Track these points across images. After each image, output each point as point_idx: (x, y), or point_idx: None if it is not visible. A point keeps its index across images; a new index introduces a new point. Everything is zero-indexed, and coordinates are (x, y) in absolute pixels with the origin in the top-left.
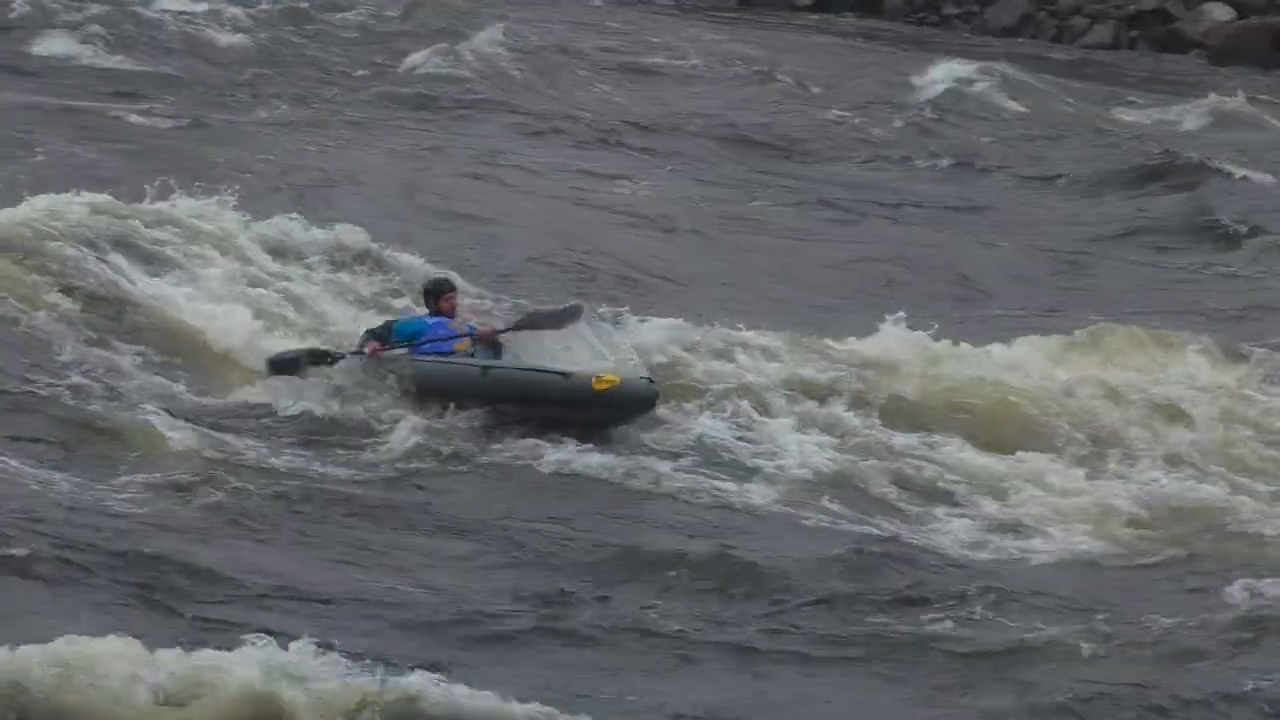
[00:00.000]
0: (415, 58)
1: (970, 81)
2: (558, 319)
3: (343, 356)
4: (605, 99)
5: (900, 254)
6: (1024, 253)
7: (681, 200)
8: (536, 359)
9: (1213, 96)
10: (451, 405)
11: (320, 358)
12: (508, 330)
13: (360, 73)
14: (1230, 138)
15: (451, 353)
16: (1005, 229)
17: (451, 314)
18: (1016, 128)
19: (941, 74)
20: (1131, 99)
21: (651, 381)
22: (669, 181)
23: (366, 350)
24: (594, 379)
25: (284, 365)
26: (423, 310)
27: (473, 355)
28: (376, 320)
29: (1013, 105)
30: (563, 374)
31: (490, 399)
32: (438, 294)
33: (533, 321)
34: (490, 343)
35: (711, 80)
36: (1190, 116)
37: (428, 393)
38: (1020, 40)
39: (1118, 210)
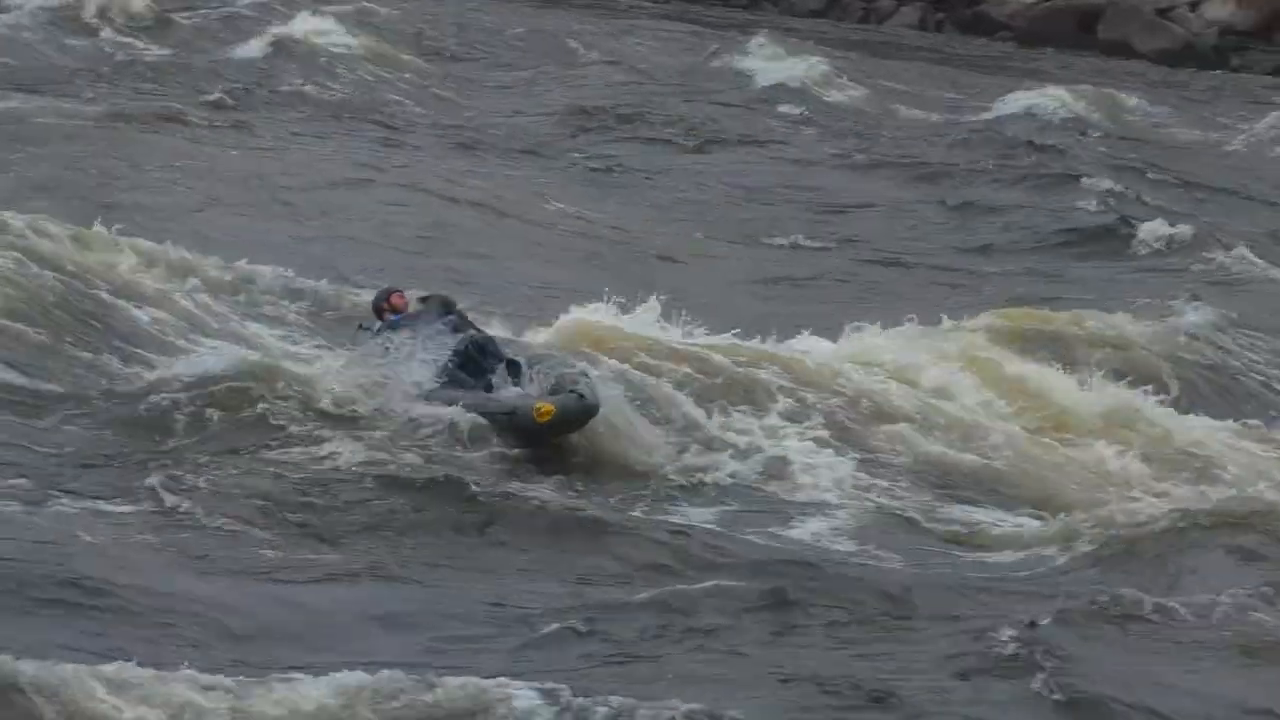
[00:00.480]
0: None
1: (781, 66)
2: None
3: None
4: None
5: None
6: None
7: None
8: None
9: (1022, 79)
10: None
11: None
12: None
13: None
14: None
15: None
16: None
17: (405, 309)
18: (829, 112)
19: (754, 58)
20: (942, 82)
21: (582, 396)
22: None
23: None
24: (535, 410)
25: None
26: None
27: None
28: None
29: (825, 88)
30: (508, 411)
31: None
32: (385, 297)
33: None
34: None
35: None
36: (1004, 100)
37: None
38: (826, 21)
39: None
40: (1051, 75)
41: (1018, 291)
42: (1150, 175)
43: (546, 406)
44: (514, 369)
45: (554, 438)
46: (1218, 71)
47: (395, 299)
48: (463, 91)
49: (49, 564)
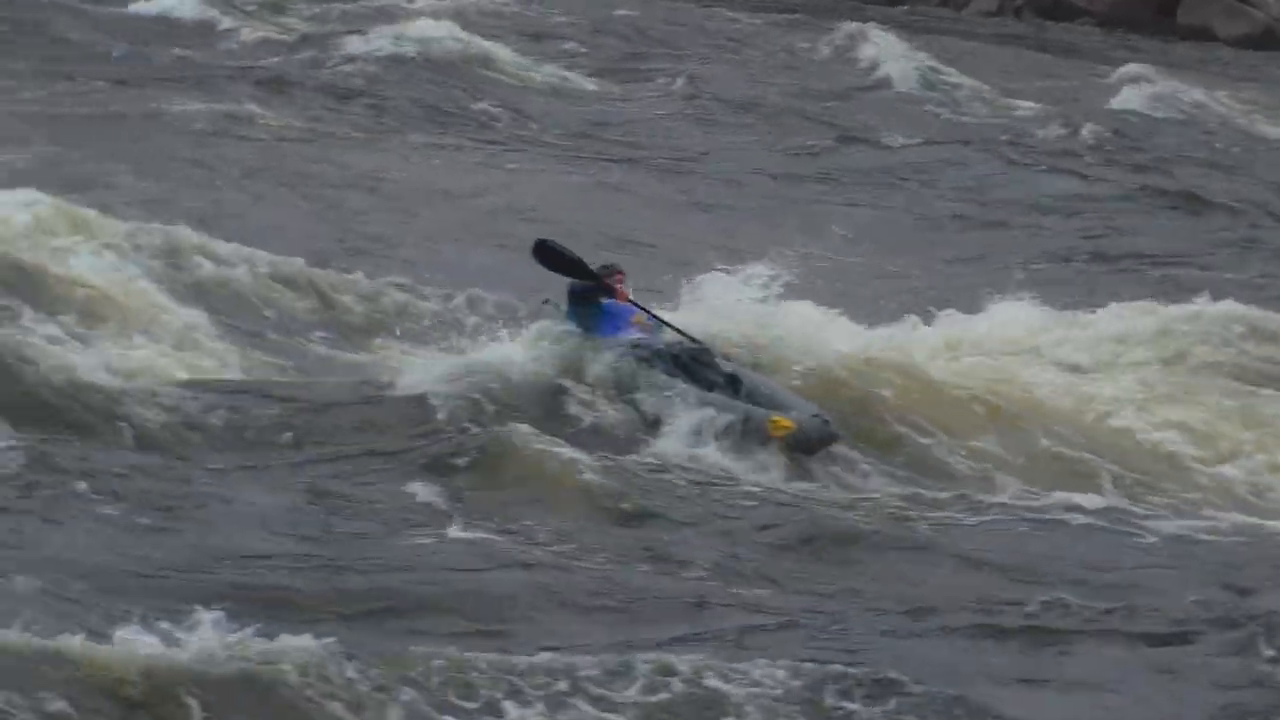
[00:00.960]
0: None
1: (855, 48)
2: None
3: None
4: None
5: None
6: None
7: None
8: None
9: (1105, 66)
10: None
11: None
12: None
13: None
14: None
15: (631, 328)
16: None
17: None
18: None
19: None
20: (1026, 67)
21: (827, 422)
22: None
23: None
24: (770, 422)
25: (553, 258)
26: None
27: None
28: None
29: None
30: (742, 417)
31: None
32: (606, 277)
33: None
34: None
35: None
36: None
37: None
38: (905, 7)
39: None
40: (1135, 60)
41: None
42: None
43: (785, 421)
44: (734, 384)
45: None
46: None
47: (619, 283)
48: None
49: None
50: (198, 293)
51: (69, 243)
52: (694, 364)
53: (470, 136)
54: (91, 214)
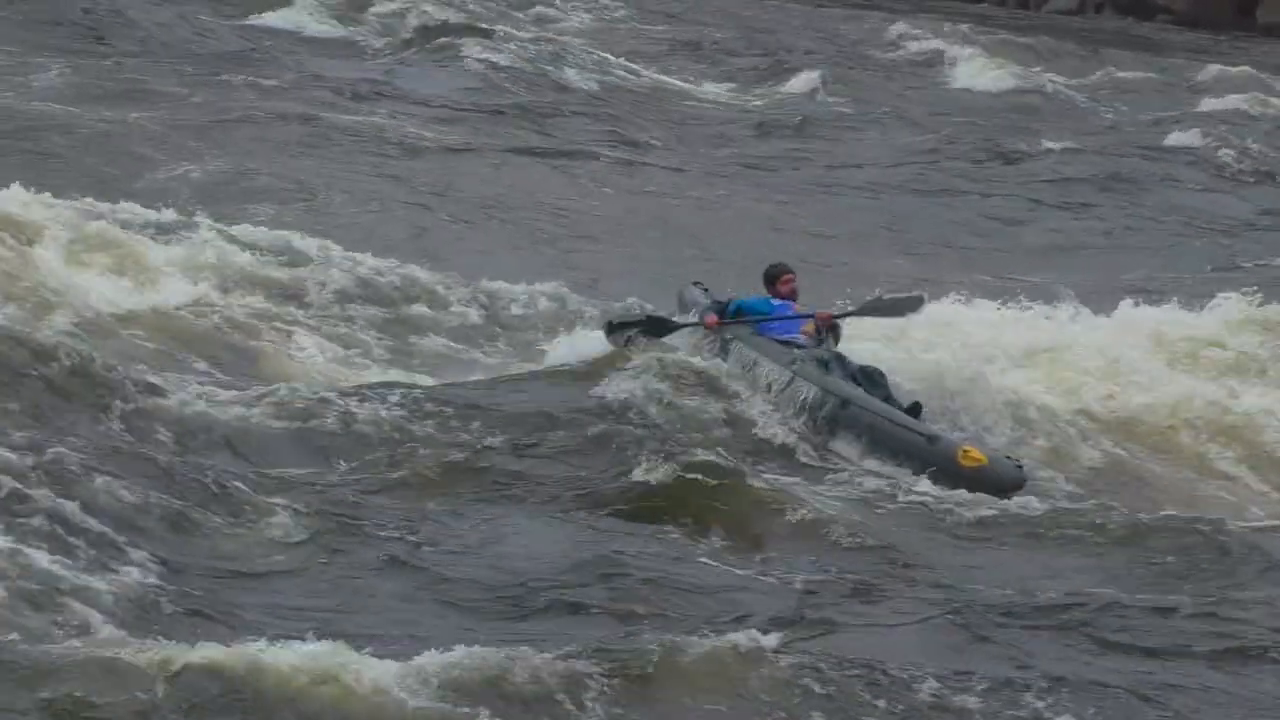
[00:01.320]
0: None
1: (939, 50)
2: (898, 308)
3: (679, 326)
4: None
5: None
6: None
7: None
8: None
9: (1189, 63)
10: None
11: (658, 327)
12: (848, 315)
13: None
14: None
15: (798, 335)
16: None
17: (792, 297)
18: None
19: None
20: (1111, 65)
21: (1020, 466)
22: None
23: (705, 320)
24: (960, 451)
25: (621, 329)
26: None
27: (821, 342)
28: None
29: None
30: (929, 436)
31: (832, 429)
32: (775, 277)
33: (874, 308)
34: (830, 327)
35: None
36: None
37: (757, 386)
38: (985, 4)
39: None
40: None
41: None
42: None
43: (977, 453)
44: (915, 412)
45: (970, 489)
46: None
47: (784, 285)
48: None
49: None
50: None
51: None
52: (869, 384)
53: (629, 157)
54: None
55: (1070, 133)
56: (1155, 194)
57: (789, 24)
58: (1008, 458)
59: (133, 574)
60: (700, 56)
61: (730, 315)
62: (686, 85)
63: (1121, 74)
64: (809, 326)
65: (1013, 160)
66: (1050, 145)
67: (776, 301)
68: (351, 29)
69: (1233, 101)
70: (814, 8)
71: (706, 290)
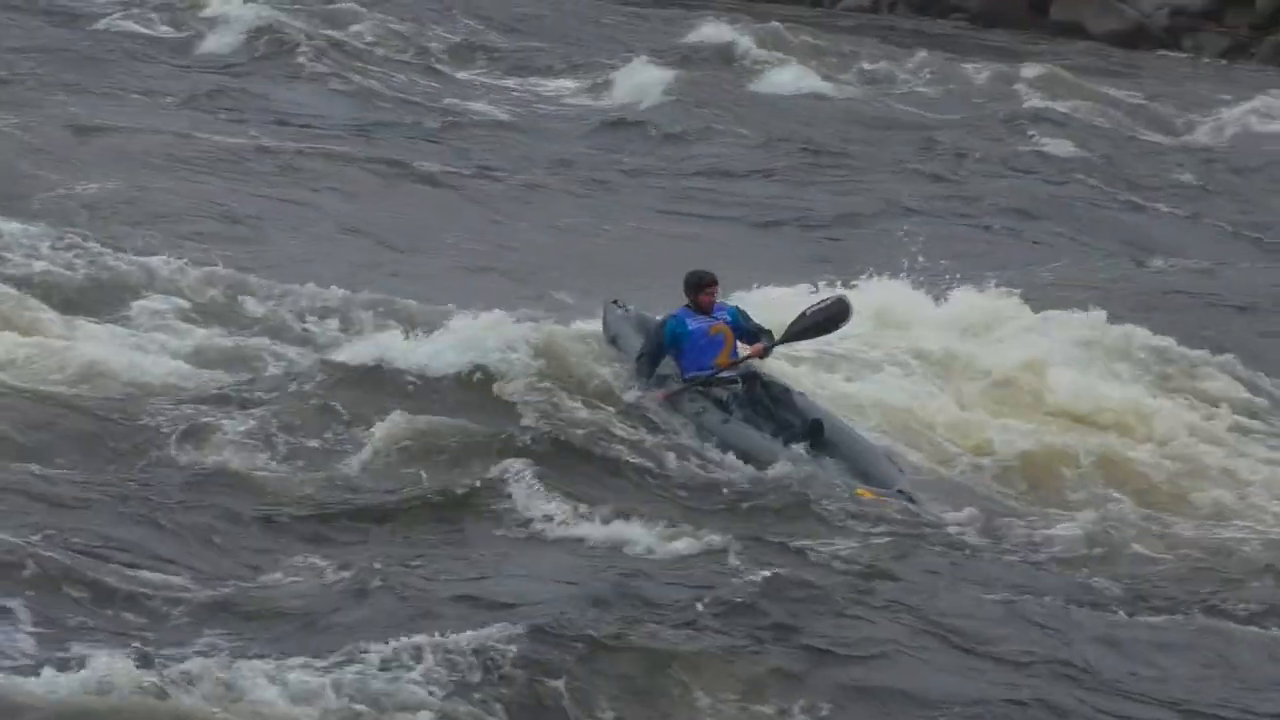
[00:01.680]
0: None
1: (732, 43)
2: (829, 322)
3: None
4: None
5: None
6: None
7: None
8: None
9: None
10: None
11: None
12: (780, 343)
13: None
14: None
15: (714, 369)
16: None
17: (709, 310)
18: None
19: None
20: (907, 62)
21: (912, 499)
22: None
23: (656, 395)
24: (855, 491)
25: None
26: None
27: (736, 368)
28: (632, 336)
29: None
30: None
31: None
32: (699, 286)
33: (804, 330)
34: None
35: None
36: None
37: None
38: (778, 4)
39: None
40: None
41: None
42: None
43: (868, 495)
44: (816, 432)
45: None
46: (1170, 53)
47: (705, 297)
48: None
49: None
50: None
51: None
52: (774, 405)
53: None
54: None
55: (883, 133)
56: (969, 189)
57: (601, 24)
58: (900, 491)
59: None
60: (514, 60)
61: (666, 344)
62: (510, 88)
63: (926, 73)
64: (721, 358)
65: (829, 163)
66: (867, 147)
67: (693, 323)
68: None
69: (1033, 99)
70: (627, 7)
71: (626, 310)
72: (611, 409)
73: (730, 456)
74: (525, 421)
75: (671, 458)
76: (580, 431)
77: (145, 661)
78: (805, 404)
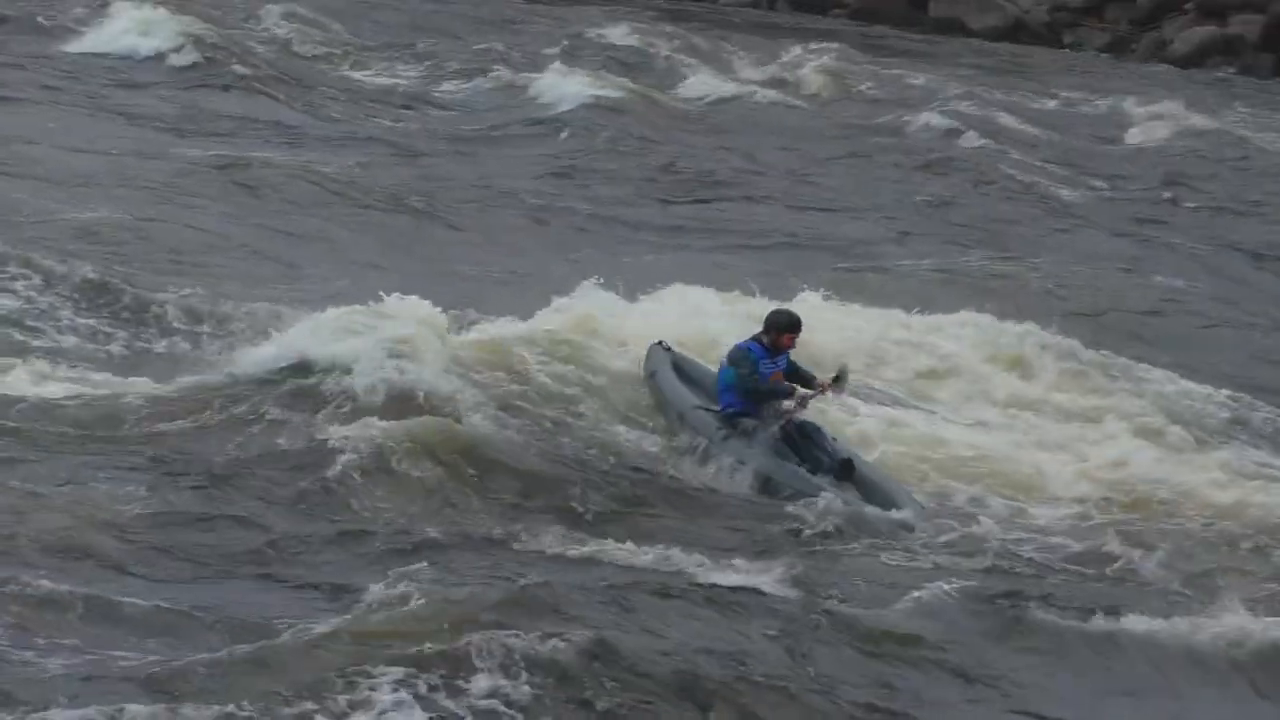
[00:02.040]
0: None
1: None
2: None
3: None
4: None
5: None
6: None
7: None
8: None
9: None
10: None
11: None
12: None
13: None
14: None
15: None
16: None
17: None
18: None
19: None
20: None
21: (908, 528)
22: None
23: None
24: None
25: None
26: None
27: (805, 406)
28: (670, 375)
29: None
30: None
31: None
32: (787, 328)
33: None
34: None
35: None
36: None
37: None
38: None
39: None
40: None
41: None
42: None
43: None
44: (847, 469)
45: None
46: (1049, 49)
47: (788, 341)
48: None
49: None
50: None
51: None
52: (804, 442)
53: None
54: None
55: (773, 132)
56: (865, 189)
57: (492, 21)
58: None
59: None
60: (408, 57)
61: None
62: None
63: (807, 72)
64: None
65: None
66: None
67: (765, 367)
68: None
69: (916, 95)
70: (522, 5)
71: (670, 350)
72: (653, 436)
73: (761, 484)
74: (562, 441)
75: (711, 484)
76: (618, 459)
77: None
78: (836, 445)
